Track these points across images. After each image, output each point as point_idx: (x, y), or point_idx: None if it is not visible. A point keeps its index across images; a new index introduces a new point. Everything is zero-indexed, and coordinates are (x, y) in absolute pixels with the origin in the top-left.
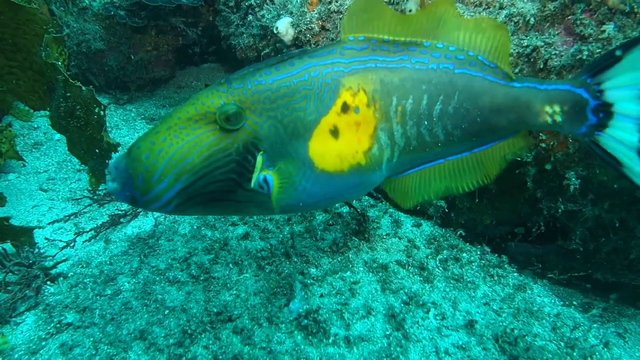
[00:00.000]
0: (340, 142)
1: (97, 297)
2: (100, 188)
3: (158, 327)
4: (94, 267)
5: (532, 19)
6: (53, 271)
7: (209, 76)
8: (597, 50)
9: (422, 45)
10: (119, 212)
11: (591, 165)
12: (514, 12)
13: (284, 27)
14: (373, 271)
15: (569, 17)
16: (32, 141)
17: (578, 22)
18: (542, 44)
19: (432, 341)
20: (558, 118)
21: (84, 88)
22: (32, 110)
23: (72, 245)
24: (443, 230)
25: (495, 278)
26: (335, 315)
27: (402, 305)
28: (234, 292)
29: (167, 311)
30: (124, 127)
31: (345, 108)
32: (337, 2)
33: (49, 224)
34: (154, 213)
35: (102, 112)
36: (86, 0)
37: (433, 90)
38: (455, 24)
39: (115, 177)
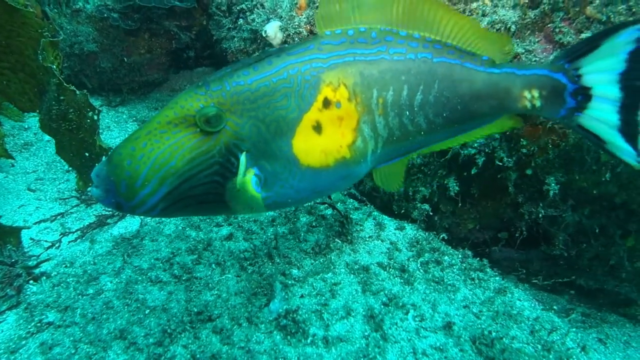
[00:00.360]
0: (324, 138)
1: (79, 297)
2: (88, 190)
3: (138, 326)
4: (78, 266)
5: (513, 26)
6: (36, 270)
7: None
8: None
9: (399, 35)
10: (106, 213)
11: (571, 171)
12: (496, 19)
13: (273, 31)
14: (354, 273)
15: (549, 25)
16: (22, 141)
17: (557, 30)
18: (523, 50)
19: (410, 342)
20: (537, 103)
21: (78, 92)
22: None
23: (57, 245)
24: (426, 233)
25: (476, 281)
26: (314, 315)
27: (382, 306)
28: (215, 292)
29: (148, 311)
30: (116, 128)
31: (326, 103)
32: None
33: (35, 223)
34: None
35: (95, 117)
36: (80, 2)
37: (413, 81)
38: (432, 13)
39: (99, 185)
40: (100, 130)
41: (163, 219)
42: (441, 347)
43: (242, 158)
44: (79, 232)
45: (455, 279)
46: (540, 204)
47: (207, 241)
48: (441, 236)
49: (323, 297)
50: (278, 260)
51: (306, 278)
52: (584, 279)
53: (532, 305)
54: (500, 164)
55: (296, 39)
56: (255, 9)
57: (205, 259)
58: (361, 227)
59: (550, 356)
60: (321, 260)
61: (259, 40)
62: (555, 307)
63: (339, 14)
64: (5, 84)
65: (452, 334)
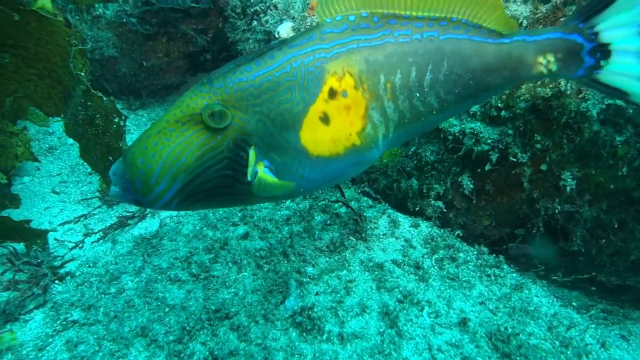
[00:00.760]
0: (332, 127)
1: (102, 296)
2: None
3: (159, 324)
4: (100, 266)
5: (524, 21)
6: (61, 270)
7: None
8: None
9: (402, 17)
10: (127, 214)
11: (587, 166)
12: (507, 14)
13: (285, 32)
14: (369, 270)
15: (561, 19)
16: (47, 145)
17: None
18: None
19: (425, 338)
20: (553, 67)
21: (105, 98)
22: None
23: (80, 245)
24: (441, 230)
25: (492, 278)
26: (329, 312)
27: (397, 303)
28: (232, 290)
29: (168, 309)
30: (136, 132)
31: (332, 94)
32: None
33: (59, 225)
34: (161, 214)
35: (122, 122)
36: (100, 9)
37: (420, 61)
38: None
39: (116, 183)
40: None
41: (181, 218)
42: (457, 344)
43: (251, 153)
44: (101, 232)
45: (470, 275)
46: (557, 200)
47: (223, 240)
48: (456, 233)
49: (338, 295)
50: (293, 259)
51: (321, 276)
52: (605, 275)
53: (550, 301)
54: (515, 159)
55: None
56: (269, 11)
57: (222, 257)
58: (375, 225)
59: (569, 352)
60: (336, 258)
61: (272, 42)
62: (574, 304)
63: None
64: (32, 90)
65: (467, 330)
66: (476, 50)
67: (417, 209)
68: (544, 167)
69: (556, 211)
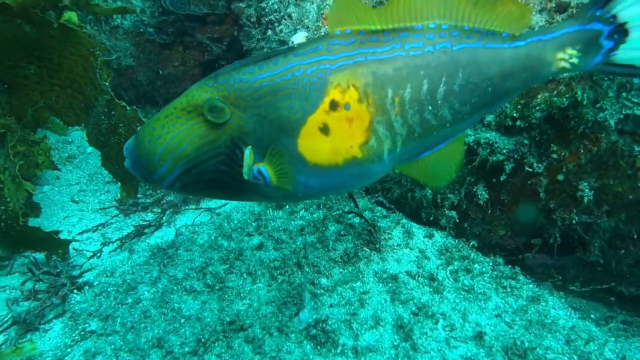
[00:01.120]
0: (332, 138)
1: (119, 306)
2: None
3: (174, 335)
4: (118, 276)
5: None
6: (80, 280)
7: None
8: None
9: (414, 29)
10: (144, 223)
11: (605, 176)
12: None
13: (299, 42)
14: (383, 282)
15: None
16: (66, 154)
17: None
18: None
19: (440, 352)
20: (575, 60)
21: (128, 108)
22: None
23: (98, 255)
24: (456, 241)
25: (508, 290)
26: (344, 325)
27: (411, 316)
28: (247, 301)
29: (183, 320)
30: None
31: (334, 105)
32: None
33: (78, 234)
34: (177, 223)
35: None
36: (118, 19)
37: (433, 74)
38: (443, 4)
39: (128, 157)
40: None
41: (197, 228)
42: (472, 358)
43: (248, 152)
44: (118, 242)
45: (486, 287)
46: (574, 210)
47: (238, 251)
48: (471, 243)
49: (352, 307)
50: (307, 270)
51: (335, 287)
52: (625, 286)
53: (568, 313)
54: (530, 169)
55: None
56: (283, 20)
57: (237, 268)
58: (389, 235)
59: None
60: (350, 269)
61: (281, 47)
62: (592, 316)
63: (350, 12)
64: (54, 100)
65: (483, 344)
66: (493, 57)
67: (431, 218)
68: (560, 177)
69: (573, 222)
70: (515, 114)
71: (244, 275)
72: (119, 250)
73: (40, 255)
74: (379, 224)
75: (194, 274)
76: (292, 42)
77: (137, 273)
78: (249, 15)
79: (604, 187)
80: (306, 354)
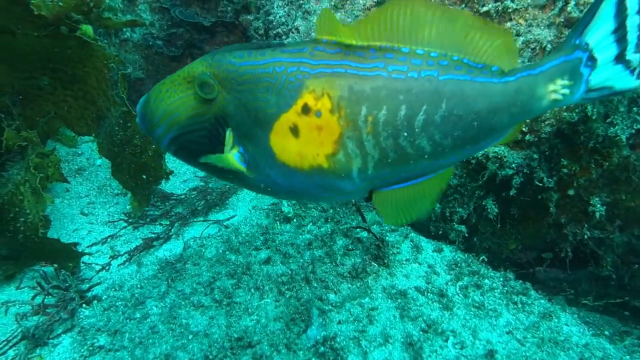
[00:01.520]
0: (301, 141)
1: (127, 321)
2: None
3: (182, 351)
4: (126, 290)
5: (548, 45)
6: (89, 294)
7: None
8: None
9: (401, 52)
10: (152, 235)
11: (617, 191)
12: (531, 38)
13: None
14: (392, 297)
15: None
16: (76, 167)
17: None
18: None
19: None
20: (566, 90)
21: None
22: (77, 137)
23: (107, 268)
24: (465, 255)
25: (519, 305)
26: (352, 342)
27: (421, 333)
28: (255, 317)
29: (191, 336)
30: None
31: (306, 110)
32: None
33: (87, 247)
34: (184, 236)
35: None
36: (127, 32)
37: (414, 100)
38: (434, 28)
39: (138, 111)
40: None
41: (205, 242)
42: None
43: (228, 133)
44: (126, 255)
45: (496, 303)
46: (585, 225)
47: (246, 265)
48: (481, 258)
49: (360, 324)
50: (315, 285)
51: (343, 303)
52: (639, 301)
53: (581, 330)
54: (540, 184)
55: None
56: (291, 33)
57: (245, 283)
58: (398, 250)
59: None
60: (358, 285)
61: (274, 41)
62: (606, 332)
63: (339, 25)
64: (66, 110)
65: None
66: (481, 92)
67: (440, 232)
68: (571, 192)
69: (585, 237)
70: (524, 128)
71: (252, 290)
72: (127, 263)
73: (49, 269)
74: (387, 238)
75: (202, 289)
76: None
77: (145, 287)
78: (257, 27)
79: (616, 202)
80: None
